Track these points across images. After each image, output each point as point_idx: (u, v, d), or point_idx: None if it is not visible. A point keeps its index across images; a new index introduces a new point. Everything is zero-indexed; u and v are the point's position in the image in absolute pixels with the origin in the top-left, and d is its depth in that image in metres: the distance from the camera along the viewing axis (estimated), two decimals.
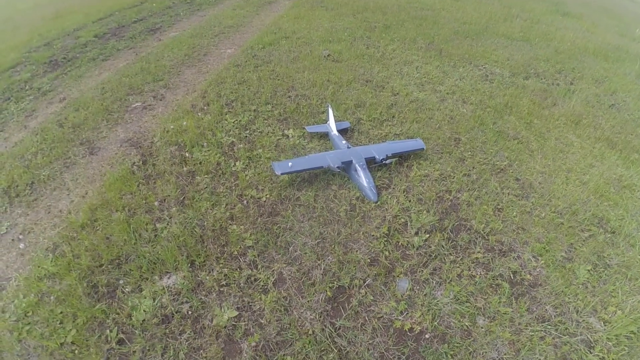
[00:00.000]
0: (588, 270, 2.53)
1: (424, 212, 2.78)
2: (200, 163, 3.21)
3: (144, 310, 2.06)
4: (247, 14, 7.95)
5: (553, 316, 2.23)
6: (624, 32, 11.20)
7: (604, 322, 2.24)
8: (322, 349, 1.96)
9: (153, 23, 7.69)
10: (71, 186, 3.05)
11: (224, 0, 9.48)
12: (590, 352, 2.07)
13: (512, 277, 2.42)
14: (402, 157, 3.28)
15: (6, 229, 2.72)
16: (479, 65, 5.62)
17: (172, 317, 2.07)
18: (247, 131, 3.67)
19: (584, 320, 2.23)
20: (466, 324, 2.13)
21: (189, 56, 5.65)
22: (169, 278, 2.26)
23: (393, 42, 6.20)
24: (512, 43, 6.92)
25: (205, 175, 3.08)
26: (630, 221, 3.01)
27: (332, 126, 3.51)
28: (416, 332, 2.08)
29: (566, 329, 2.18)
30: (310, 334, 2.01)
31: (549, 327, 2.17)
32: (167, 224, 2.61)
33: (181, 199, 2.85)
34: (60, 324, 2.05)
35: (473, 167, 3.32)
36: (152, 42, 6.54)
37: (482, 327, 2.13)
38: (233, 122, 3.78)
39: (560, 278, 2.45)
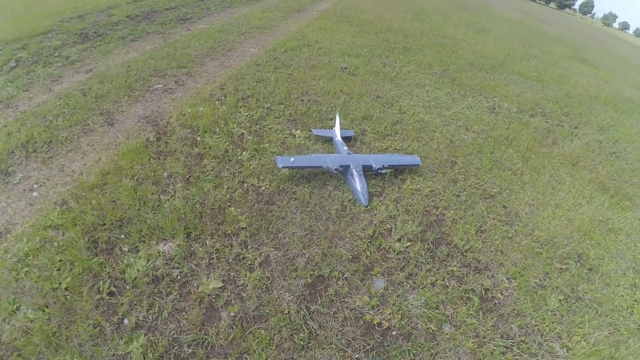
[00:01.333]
0: (559, 299, 2.66)
1: (410, 222, 2.94)
2: (209, 148, 3.40)
3: (137, 269, 2.23)
4: (275, 17, 8.26)
5: (517, 335, 2.36)
6: None
7: (566, 349, 2.36)
8: (295, 328, 2.11)
9: (184, 13, 8.02)
10: (87, 150, 3.26)
11: (255, 2, 9.84)
12: None
13: (483, 293, 2.56)
14: (398, 170, 3.45)
15: (19, 179, 2.91)
16: (488, 97, 5.83)
17: (162, 279, 2.23)
18: (258, 126, 3.87)
19: (547, 343, 2.36)
20: (432, 328, 2.26)
21: (214, 49, 5.91)
22: (165, 244, 2.43)
23: (409, 65, 6.43)
24: (524, 81, 7.13)
25: (213, 159, 3.27)
26: (609, 262, 3.14)
27: (337, 132, 3.70)
28: (384, 327, 2.22)
29: (528, 348, 2.30)
30: (285, 313, 2.16)
31: (512, 344, 2.29)
32: (171, 197, 2.79)
33: (187, 177, 3.03)
34: (57, 270, 2.21)
35: (464, 190, 3.48)
36: (181, 30, 6.84)
37: (447, 334, 2.26)
38: (246, 116, 3.99)
39: (530, 302, 2.58)
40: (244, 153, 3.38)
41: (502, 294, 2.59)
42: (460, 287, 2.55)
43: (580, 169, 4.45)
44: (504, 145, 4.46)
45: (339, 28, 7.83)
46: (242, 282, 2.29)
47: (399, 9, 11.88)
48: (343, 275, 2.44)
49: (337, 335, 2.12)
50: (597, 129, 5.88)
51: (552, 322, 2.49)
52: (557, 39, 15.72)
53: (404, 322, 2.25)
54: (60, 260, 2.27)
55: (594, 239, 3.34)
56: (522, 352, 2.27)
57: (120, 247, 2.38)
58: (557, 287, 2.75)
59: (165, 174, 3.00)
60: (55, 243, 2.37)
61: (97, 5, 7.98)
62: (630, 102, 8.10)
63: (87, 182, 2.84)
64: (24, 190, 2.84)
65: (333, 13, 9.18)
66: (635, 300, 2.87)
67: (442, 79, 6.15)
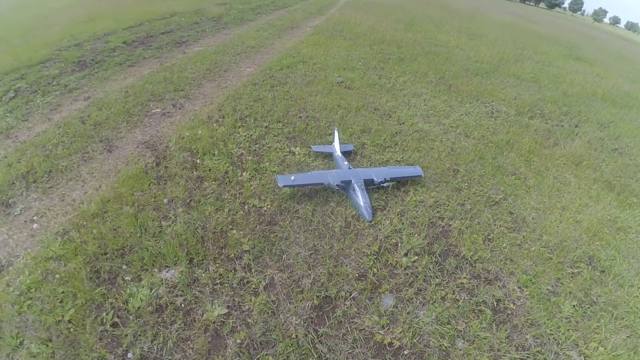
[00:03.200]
0: (573, 305, 2.60)
1: (415, 235, 2.90)
2: (209, 170, 3.39)
3: (141, 299, 2.18)
4: (269, 36, 8.34)
5: (533, 346, 2.29)
6: (637, 78, 11.39)
7: (584, 357, 2.29)
8: (303, 352, 2.05)
9: (180, 36, 8.11)
10: (87, 178, 3.25)
11: (249, 22, 9.97)
12: None
13: (495, 305, 2.50)
14: (400, 182, 3.42)
15: (20, 210, 2.89)
16: (485, 102, 5.82)
17: (166, 307, 2.18)
18: (257, 145, 3.86)
19: (563, 352, 2.29)
20: (445, 344, 2.20)
21: (211, 71, 5.96)
22: (167, 272, 2.39)
23: (404, 75, 6.46)
24: (521, 83, 7.14)
25: (213, 182, 3.25)
26: (621, 262, 3.08)
27: (337, 147, 3.69)
28: (395, 347, 2.15)
29: (545, 359, 2.23)
30: (293, 338, 2.10)
31: (528, 356, 2.23)
32: (172, 223, 2.76)
33: (188, 201, 3.01)
34: (60, 302, 2.17)
35: (468, 198, 3.44)
36: (177, 54, 6.91)
37: (460, 350, 2.20)
38: (245, 136, 3.98)
39: (543, 310, 2.52)
40: (244, 174, 3.36)
41: (514, 304, 2.53)
42: (471, 299, 2.49)
43: (584, 168, 4.41)
44: (505, 149, 4.43)
45: (333, 43, 7.89)
46: (247, 308, 2.24)
47: (391, 19, 12.01)
48: (350, 295, 2.39)
49: (347, 358, 2.06)
50: (597, 126, 5.85)
51: (568, 330, 2.43)
52: (549, 38, 15.81)
53: (415, 341, 2.19)
54: (62, 292, 2.23)
55: (603, 240, 3.28)
56: None
57: (123, 277, 2.34)
58: (570, 292, 2.69)
59: (165, 199, 2.98)
60: (57, 275, 2.33)
61: (94, 32, 8.09)
62: (629, 97, 8.08)
63: (88, 211, 2.82)
64: (25, 221, 2.81)
65: (326, 28, 9.28)
66: None
67: (438, 87, 6.16)
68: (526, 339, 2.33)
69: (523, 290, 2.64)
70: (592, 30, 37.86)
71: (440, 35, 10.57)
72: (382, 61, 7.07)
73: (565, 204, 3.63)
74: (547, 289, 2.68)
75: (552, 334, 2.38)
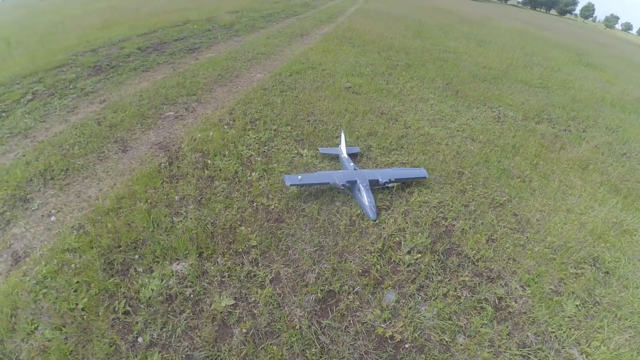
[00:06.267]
0: (576, 305, 2.61)
1: (419, 234, 2.95)
2: (220, 170, 3.50)
3: (152, 289, 2.28)
4: (279, 43, 8.51)
5: (534, 343, 2.32)
6: None
7: (586, 355, 2.30)
8: (307, 343, 2.12)
9: (192, 43, 8.33)
10: (102, 176, 3.39)
11: (260, 29, 10.17)
12: None
13: (497, 302, 2.53)
14: (405, 183, 3.48)
15: (37, 205, 3.03)
16: (492, 107, 5.85)
17: (176, 297, 2.28)
18: (266, 147, 3.97)
19: (565, 350, 2.30)
20: (446, 339, 2.24)
21: (222, 76, 6.12)
22: (178, 264, 2.49)
23: (412, 80, 6.53)
24: (529, 89, 7.15)
25: (223, 181, 3.35)
26: (626, 264, 3.08)
27: (343, 149, 3.77)
28: (396, 340, 2.20)
29: (546, 356, 2.25)
30: (297, 329, 2.17)
31: (529, 352, 2.25)
32: (183, 219, 2.87)
33: (199, 199, 3.12)
34: (74, 291, 2.28)
35: (472, 199, 3.48)
36: (189, 60, 7.10)
37: (461, 345, 2.24)
38: (254, 138, 4.10)
39: (545, 308, 2.54)
40: (253, 174, 3.46)
41: (516, 302, 2.56)
42: (473, 297, 2.53)
43: (591, 172, 4.41)
44: (511, 153, 4.46)
45: (341, 49, 8.02)
46: (253, 299, 2.32)
47: (399, 27, 12.13)
48: (354, 290, 2.45)
49: (349, 349, 2.12)
50: (605, 131, 5.83)
51: (570, 328, 2.44)
52: (559, 45, 15.75)
53: (416, 335, 2.24)
54: (77, 282, 2.34)
55: (608, 242, 3.28)
56: None
57: (135, 268, 2.45)
58: (573, 292, 2.71)
59: (177, 197, 3.10)
60: (73, 265, 2.45)
61: (109, 38, 8.36)
62: (638, 102, 8.02)
63: (103, 207, 2.94)
64: (42, 215, 2.95)
65: (335, 35, 9.42)
66: None
67: (446, 92, 6.22)
68: (527, 335, 2.36)
69: (525, 289, 2.66)
70: (604, 36, 37.51)
71: (449, 42, 10.64)
72: (390, 67, 7.16)
73: (570, 207, 3.64)
74: (550, 289, 2.70)
75: (554, 332, 2.40)
